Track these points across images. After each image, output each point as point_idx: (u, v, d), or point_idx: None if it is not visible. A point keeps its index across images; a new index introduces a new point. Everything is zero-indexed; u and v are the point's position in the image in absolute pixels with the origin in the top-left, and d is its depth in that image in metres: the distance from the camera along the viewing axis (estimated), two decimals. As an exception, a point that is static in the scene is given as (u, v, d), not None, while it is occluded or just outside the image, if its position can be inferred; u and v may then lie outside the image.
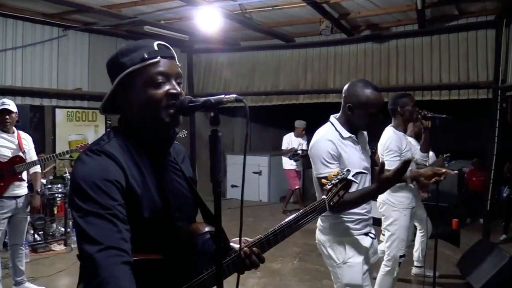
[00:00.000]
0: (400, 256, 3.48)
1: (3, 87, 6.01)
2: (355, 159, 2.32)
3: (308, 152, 2.40)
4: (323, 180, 1.91)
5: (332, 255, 2.36)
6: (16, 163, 3.97)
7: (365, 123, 2.32)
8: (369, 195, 2.23)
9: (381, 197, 3.51)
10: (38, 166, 4.28)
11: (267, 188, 9.29)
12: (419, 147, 3.78)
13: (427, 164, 3.78)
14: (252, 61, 8.03)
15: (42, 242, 5.34)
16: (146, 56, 1.23)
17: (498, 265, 3.89)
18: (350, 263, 2.31)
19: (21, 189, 4.05)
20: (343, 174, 1.90)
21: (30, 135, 5.63)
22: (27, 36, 6.24)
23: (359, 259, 2.33)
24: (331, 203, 1.86)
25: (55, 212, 5.55)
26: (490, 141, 6.01)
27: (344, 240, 2.34)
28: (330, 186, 1.87)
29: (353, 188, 2.05)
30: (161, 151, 1.35)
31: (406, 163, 2.00)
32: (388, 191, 3.30)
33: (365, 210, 2.40)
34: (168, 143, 1.36)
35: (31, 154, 4.19)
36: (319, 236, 2.46)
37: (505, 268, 3.83)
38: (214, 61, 8.43)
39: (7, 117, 3.93)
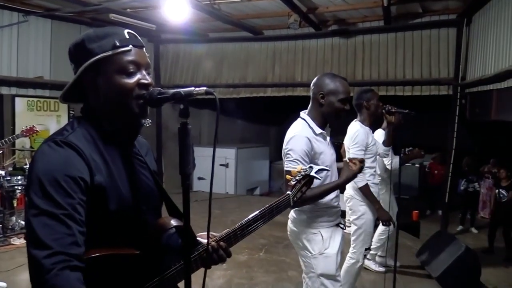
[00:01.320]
0: (366, 249, 3.57)
1: (-42, 73, 5.73)
2: (326, 155, 2.41)
3: (283, 148, 2.42)
4: (288, 176, 1.97)
5: (308, 246, 2.41)
6: None
7: (335, 111, 2.39)
8: (335, 188, 2.37)
9: (348, 192, 3.60)
10: None
11: (234, 180, 9.30)
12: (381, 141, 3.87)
13: (390, 157, 3.90)
14: (221, 53, 7.99)
15: (1, 235, 5.15)
16: (117, 43, 1.20)
17: (455, 255, 4.07)
18: (326, 254, 2.38)
19: None
20: (306, 170, 1.96)
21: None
22: (-16, 21, 5.96)
23: (334, 250, 2.40)
24: (295, 198, 1.91)
25: (15, 205, 5.35)
26: (449, 136, 6.25)
27: (320, 232, 2.40)
28: (294, 182, 1.92)
29: (315, 184, 2.12)
30: (127, 142, 1.32)
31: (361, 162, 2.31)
32: (355, 186, 3.41)
33: (337, 203, 2.51)
34: (134, 134, 1.34)
35: None
36: (293, 227, 2.51)
37: (461, 257, 4.01)
38: (182, 52, 8.33)
39: None
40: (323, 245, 2.39)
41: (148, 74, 1.26)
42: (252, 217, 1.62)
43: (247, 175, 9.63)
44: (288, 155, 2.35)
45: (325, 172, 2.17)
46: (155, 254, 1.28)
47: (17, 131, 6.22)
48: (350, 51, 7.01)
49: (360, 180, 3.30)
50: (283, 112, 11.10)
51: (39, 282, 1.00)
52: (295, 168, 2.18)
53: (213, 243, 1.39)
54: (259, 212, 1.67)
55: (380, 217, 3.44)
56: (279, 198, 1.85)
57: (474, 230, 6.54)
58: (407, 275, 4.45)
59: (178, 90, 1.17)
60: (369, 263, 4.57)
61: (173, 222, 1.33)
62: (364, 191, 3.38)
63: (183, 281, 1.30)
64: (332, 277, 2.40)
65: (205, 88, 1.16)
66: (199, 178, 9.17)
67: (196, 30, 7.68)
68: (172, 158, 8.50)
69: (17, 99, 6.46)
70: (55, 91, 6.89)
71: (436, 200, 7.32)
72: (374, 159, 3.62)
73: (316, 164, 2.28)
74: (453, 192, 6.53)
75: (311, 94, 2.48)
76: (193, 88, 1.17)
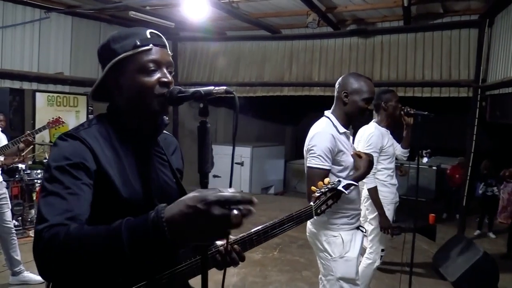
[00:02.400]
0: (382, 250, 3.54)
1: (-19, 68, 5.87)
2: (348, 156, 2.40)
3: (307, 145, 2.41)
4: (313, 188, 1.94)
5: (328, 249, 2.40)
6: None
7: (359, 110, 2.40)
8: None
9: (365, 192, 3.57)
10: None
11: (249, 179, 9.32)
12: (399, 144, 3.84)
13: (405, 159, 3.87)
14: (238, 52, 8.00)
15: (20, 228, 5.27)
16: (138, 43, 1.23)
17: (472, 260, 4.01)
18: (346, 257, 2.37)
19: None
20: (334, 184, 1.92)
21: (9, 119, 5.50)
22: (7, 17, 6.08)
23: (355, 253, 2.40)
24: (318, 211, 1.88)
25: (34, 198, 5.47)
26: (468, 138, 6.15)
27: (341, 235, 2.39)
28: (318, 194, 1.89)
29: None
30: (148, 140, 1.34)
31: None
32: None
33: (358, 205, 2.51)
34: (156, 132, 1.35)
35: (0, 138, 4.00)
36: (313, 229, 2.49)
37: (479, 263, 3.95)
38: (200, 50, 8.37)
39: None
40: (343, 249, 2.37)
41: (170, 72, 1.28)
42: (270, 224, 1.61)
43: (262, 173, 9.64)
44: (311, 151, 2.35)
45: (353, 187, 2.13)
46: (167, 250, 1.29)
47: (37, 126, 6.35)
48: (369, 51, 6.95)
49: (369, 182, 3.29)
50: (299, 112, 11.09)
51: (37, 252, 0.99)
52: (321, 165, 2.24)
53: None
54: (278, 221, 1.66)
55: (380, 223, 3.41)
56: (301, 209, 1.82)
57: (491, 235, 6.43)
58: (423, 278, 4.40)
59: (198, 89, 1.18)
60: None
61: None
62: (372, 193, 3.35)
63: (192, 278, 1.33)
64: (352, 281, 2.38)
65: (225, 87, 1.17)
66: (214, 176, 9.19)
67: (214, 29, 7.71)
68: (188, 155, 8.49)
69: (37, 94, 6.59)
70: (74, 87, 7.01)
71: (454, 204, 7.21)
72: (390, 160, 3.58)
73: (339, 163, 2.33)
74: (471, 196, 6.43)
75: (335, 93, 2.49)
76: (213, 87, 1.18)
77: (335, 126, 2.40)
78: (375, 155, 3.28)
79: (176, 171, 1.41)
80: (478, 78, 6.04)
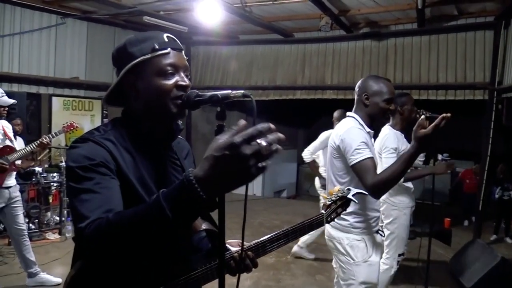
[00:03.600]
0: (399, 255, 3.51)
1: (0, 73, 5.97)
2: (374, 154, 2.39)
3: (339, 143, 2.35)
4: (324, 196, 1.94)
5: (351, 253, 2.37)
6: (6, 153, 3.82)
7: (381, 111, 2.40)
8: (410, 158, 2.08)
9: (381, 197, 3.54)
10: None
11: (261, 182, 9.32)
12: None
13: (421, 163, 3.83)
14: (250, 55, 8.03)
15: (37, 230, 5.34)
16: (156, 46, 1.23)
17: (489, 265, 3.94)
18: (370, 262, 2.35)
19: (12, 179, 3.93)
20: (344, 192, 1.92)
21: (26, 123, 5.59)
22: (25, 23, 6.20)
23: (378, 258, 2.40)
24: (329, 219, 1.88)
25: (50, 201, 5.54)
26: (484, 142, 6.07)
27: (364, 239, 2.38)
28: (329, 203, 1.89)
29: (350, 208, 2.03)
30: (162, 145, 1.35)
31: (442, 119, 1.97)
32: (389, 192, 3.34)
33: (378, 208, 2.51)
34: (171, 137, 1.36)
35: (17, 141, 4.07)
36: (335, 233, 2.46)
37: (496, 268, 3.88)
38: (212, 54, 8.42)
39: (6, 109, 3.81)
40: (367, 253, 2.35)
41: (187, 76, 1.28)
42: (283, 231, 1.62)
43: (274, 177, 9.63)
44: (348, 149, 2.27)
45: (361, 196, 2.07)
46: (182, 254, 1.30)
47: (53, 129, 6.44)
48: (382, 54, 6.91)
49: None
50: (311, 115, 11.06)
51: (85, 248, 1.03)
52: (366, 154, 2.22)
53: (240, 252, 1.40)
54: (291, 228, 1.67)
55: (437, 170, 3.45)
56: (312, 217, 1.83)
57: (508, 240, 6.33)
58: (438, 284, 4.35)
59: (215, 92, 1.18)
60: (301, 251, 4.91)
61: (204, 226, 1.34)
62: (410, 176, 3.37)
63: (206, 283, 1.33)
64: (373, 286, 2.38)
65: (242, 91, 1.17)
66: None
67: (226, 33, 7.75)
68: (201, 159, 8.56)
69: (54, 99, 6.69)
70: (89, 91, 7.11)
71: (471, 209, 7.10)
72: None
73: None
74: (488, 200, 6.34)
75: (355, 96, 2.51)
76: (230, 91, 1.18)
77: (362, 125, 2.41)
78: (393, 155, 3.26)
79: None
80: (494, 81, 5.98)
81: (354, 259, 2.35)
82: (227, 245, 1.42)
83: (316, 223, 1.83)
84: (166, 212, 0.89)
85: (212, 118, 8.62)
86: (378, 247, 2.43)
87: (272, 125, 0.86)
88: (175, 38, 1.31)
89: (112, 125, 1.28)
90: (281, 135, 0.86)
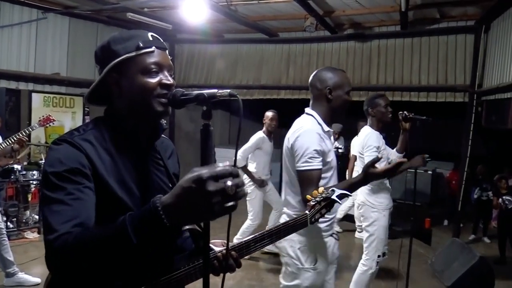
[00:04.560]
0: (378, 256, 3.54)
1: (-22, 68, 5.83)
2: (332, 155, 2.32)
3: (292, 143, 2.25)
4: (308, 196, 1.93)
5: (301, 258, 2.26)
6: None
7: (345, 104, 2.32)
8: (355, 186, 2.19)
9: (360, 199, 3.59)
10: None
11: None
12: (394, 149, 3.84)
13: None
14: (235, 54, 8.01)
15: (15, 229, 5.24)
16: (141, 44, 1.23)
17: (468, 264, 4.02)
18: (318, 269, 2.27)
19: None
20: (328, 193, 1.92)
21: (5, 119, 5.46)
22: (4, 17, 6.06)
23: (326, 264, 2.32)
24: (313, 219, 1.88)
25: (29, 199, 5.44)
26: (464, 143, 6.18)
27: (316, 244, 2.30)
28: (313, 203, 1.90)
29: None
30: (145, 145, 1.33)
31: (398, 165, 2.05)
32: (368, 192, 3.38)
33: (335, 209, 2.34)
34: (154, 136, 1.35)
35: None
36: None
37: (475, 267, 3.96)
38: (197, 53, 8.37)
39: None
40: (316, 261, 2.27)
41: (171, 75, 1.28)
42: (267, 232, 1.62)
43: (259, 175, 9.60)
44: (298, 153, 2.19)
45: (346, 198, 2.06)
46: (165, 254, 1.29)
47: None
48: (366, 55, 6.98)
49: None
50: (296, 115, 11.10)
51: (51, 262, 1.03)
52: (310, 166, 2.15)
53: (223, 252, 1.39)
54: (274, 228, 1.68)
55: (414, 164, 3.49)
56: (295, 218, 1.84)
57: (486, 240, 6.47)
58: (419, 283, 4.41)
59: (202, 91, 1.18)
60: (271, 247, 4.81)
61: (187, 225, 1.33)
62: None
63: (189, 283, 1.33)
64: None
65: (228, 90, 1.17)
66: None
67: (211, 31, 7.71)
68: (184, 157, 8.47)
69: (34, 95, 6.54)
70: (71, 88, 6.99)
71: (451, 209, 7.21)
72: (384, 165, 3.59)
73: (325, 163, 2.23)
74: (467, 201, 6.45)
75: (314, 93, 2.37)
76: (216, 90, 1.18)
77: (320, 125, 2.29)
78: (374, 154, 3.32)
79: (173, 176, 1.41)
80: (474, 83, 6.09)
81: (304, 264, 2.26)
82: (210, 245, 1.41)
83: (300, 223, 1.84)
84: (130, 235, 0.92)
85: (195, 117, 8.57)
86: (328, 252, 2.34)
87: (237, 170, 0.91)
88: (159, 37, 1.30)
89: (94, 125, 1.26)
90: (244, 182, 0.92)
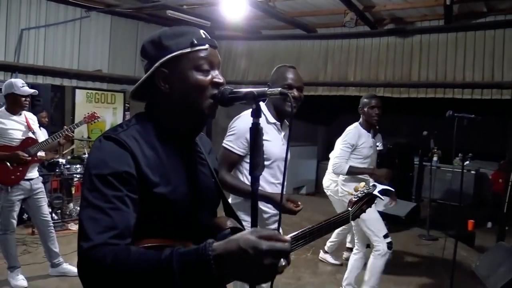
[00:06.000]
0: (385, 237, 3.53)
1: (25, 65, 6.07)
2: (275, 148, 2.32)
3: (230, 124, 2.37)
4: (349, 192, 1.91)
5: None
6: (28, 145, 3.80)
7: (280, 99, 2.27)
8: (263, 198, 2.27)
9: (339, 191, 3.80)
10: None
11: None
12: None
13: None
14: (272, 51, 7.97)
15: (60, 221, 5.42)
16: (195, 41, 1.21)
17: (515, 270, 3.84)
18: None
19: (34, 171, 3.94)
20: (369, 188, 1.90)
21: (50, 114, 5.64)
22: (50, 16, 6.28)
23: None
24: (354, 216, 1.87)
25: (73, 192, 5.62)
26: (511, 142, 5.91)
27: None
28: (355, 199, 1.86)
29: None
30: (188, 140, 1.33)
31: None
32: (343, 183, 3.68)
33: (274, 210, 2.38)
34: (197, 132, 1.34)
35: (40, 133, 4.03)
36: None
37: (523, 273, 3.78)
38: (234, 49, 8.39)
39: (28, 99, 3.78)
40: None
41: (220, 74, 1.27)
42: (308, 229, 1.60)
43: (294, 173, 9.55)
44: (231, 132, 2.33)
45: (387, 191, 2.06)
46: None
47: (76, 121, 6.54)
48: (407, 51, 6.78)
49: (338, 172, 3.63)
50: (332, 112, 10.96)
51: (85, 274, 1.02)
52: (233, 147, 2.26)
53: None
54: (317, 226, 1.65)
55: (377, 173, 3.58)
56: (338, 215, 1.81)
57: (533, 244, 6.16)
58: (462, 287, 4.26)
59: (251, 90, 1.16)
60: (325, 256, 4.82)
61: (229, 223, 1.32)
62: (353, 171, 3.57)
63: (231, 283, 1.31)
64: None
65: (279, 89, 1.16)
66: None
67: (249, 27, 7.71)
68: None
69: (77, 91, 6.77)
70: (112, 84, 7.18)
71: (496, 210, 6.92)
72: (362, 162, 3.68)
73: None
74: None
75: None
76: (266, 88, 1.17)
77: (265, 115, 2.35)
78: (347, 150, 3.57)
79: (214, 171, 1.40)
80: (523, 80, 5.80)
81: None
82: None
83: (342, 220, 1.81)
84: (175, 276, 0.90)
85: (232, 113, 8.62)
86: None
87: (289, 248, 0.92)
88: (208, 36, 1.29)
89: (136, 120, 1.25)
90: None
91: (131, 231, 1.08)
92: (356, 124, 3.73)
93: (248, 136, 2.17)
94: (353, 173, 3.58)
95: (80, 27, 6.68)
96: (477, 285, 4.32)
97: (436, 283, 4.17)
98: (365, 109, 3.64)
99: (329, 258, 4.85)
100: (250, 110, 2.06)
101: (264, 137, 2.04)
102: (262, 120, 2.06)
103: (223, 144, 2.31)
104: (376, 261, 3.55)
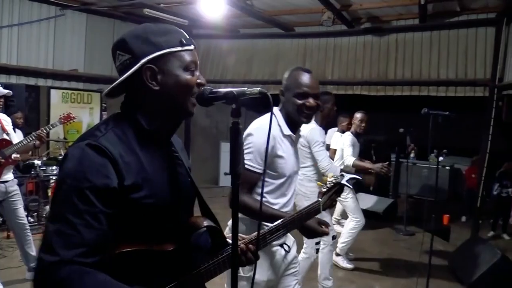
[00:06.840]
0: (316, 243, 3.66)
1: (-2, 65, 5.92)
2: (289, 164, 2.06)
3: (244, 138, 2.00)
4: (319, 183, 1.93)
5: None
6: (2, 147, 3.72)
7: (295, 108, 2.05)
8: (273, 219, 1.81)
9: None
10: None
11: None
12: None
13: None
14: (251, 49, 7.97)
15: (36, 224, 5.31)
16: (184, 41, 1.23)
17: (489, 262, 3.96)
18: (256, 280, 1.87)
19: (9, 173, 3.86)
20: (337, 178, 1.95)
21: (25, 115, 5.51)
22: (24, 14, 6.12)
23: (264, 277, 2.02)
24: (325, 206, 1.91)
25: (49, 194, 5.51)
26: (484, 138, 6.07)
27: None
28: (325, 189, 1.90)
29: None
30: (165, 141, 1.33)
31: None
32: (300, 182, 3.48)
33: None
34: (173, 132, 1.35)
35: (14, 135, 3.95)
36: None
37: (497, 265, 3.90)
38: (213, 48, 8.35)
39: (1, 100, 3.69)
40: (256, 269, 1.79)
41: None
42: (281, 222, 1.63)
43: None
44: (248, 149, 1.98)
45: (354, 180, 2.01)
46: (185, 252, 1.28)
47: (52, 122, 6.41)
48: (383, 49, 6.88)
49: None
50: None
51: (40, 285, 1.01)
52: (253, 167, 1.94)
53: (242, 245, 1.40)
54: (289, 218, 1.69)
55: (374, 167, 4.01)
56: (308, 206, 1.85)
57: (506, 237, 6.37)
58: (439, 280, 4.36)
59: (231, 89, 1.18)
60: (337, 259, 4.74)
61: (205, 222, 1.33)
62: (356, 164, 3.96)
63: (209, 279, 1.34)
64: None
65: (258, 88, 1.18)
66: (225, 174, 9.17)
67: (227, 26, 7.69)
68: (200, 153, 8.57)
69: (52, 91, 6.63)
70: (88, 84, 7.04)
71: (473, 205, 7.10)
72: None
73: (275, 169, 2.02)
74: (487, 197, 6.36)
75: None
76: (246, 88, 1.18)
77: (280, 126, 2.07)
78: (323, 149, 3.51)
79: (188, 170, 1.41)
80: (495, 77, 5.96)
81: (240, 272, 1.95)
82: (228, 239, 1.40)
83: (313, 211, 1.86)
84: None
85: (211, 112, 8.58)
86: (271, 263, 2.05)
87: None
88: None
89: (114, 123, 1.20)
90: None
91: (102, 249, 1.05)
92: (313, 121, 3.51)
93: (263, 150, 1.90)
94: (356, 166, 4.14)
95: (54, 26, 6.53)
96: (453, 278, 4.44)
97: (414, 276, 4.25)
98: (326, 105, 3.69)
99: (340, 261, 4.74)
100: (260, 119, 2.09)
101: (278, 153, 2.02)
102: (277, 132, 2.06)
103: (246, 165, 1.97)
104: (303, 263, 3.64)
